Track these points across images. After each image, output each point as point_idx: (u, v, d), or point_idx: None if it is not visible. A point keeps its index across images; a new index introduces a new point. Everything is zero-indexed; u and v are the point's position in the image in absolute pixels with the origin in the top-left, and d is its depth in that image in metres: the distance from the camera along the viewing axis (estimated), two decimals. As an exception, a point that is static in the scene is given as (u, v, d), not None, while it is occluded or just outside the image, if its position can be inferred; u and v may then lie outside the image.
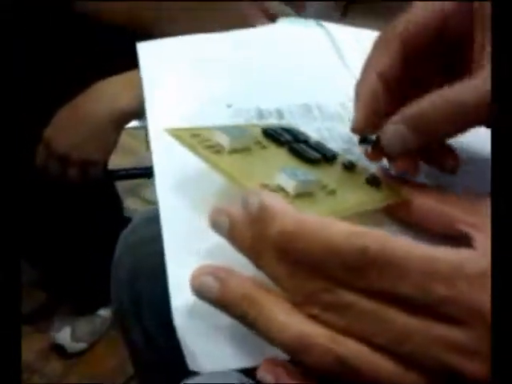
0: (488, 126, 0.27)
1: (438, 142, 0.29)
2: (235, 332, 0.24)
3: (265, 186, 0.23)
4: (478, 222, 0.23)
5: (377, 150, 0.29)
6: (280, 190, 0.23)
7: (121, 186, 1.26)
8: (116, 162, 0.94)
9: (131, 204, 1.39)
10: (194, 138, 0.27)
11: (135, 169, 1.40)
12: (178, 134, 0.27)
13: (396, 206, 0.26)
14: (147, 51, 0.43)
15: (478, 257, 0.20)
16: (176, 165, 0.30)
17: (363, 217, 0.25)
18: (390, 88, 0.28)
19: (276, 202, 0.21)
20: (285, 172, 0.24)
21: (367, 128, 0.29)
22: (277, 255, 0.21)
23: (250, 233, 0.22)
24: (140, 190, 1.45)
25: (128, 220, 1.03)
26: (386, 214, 0.27)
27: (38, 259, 0.96)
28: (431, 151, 0.30)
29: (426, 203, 0.26)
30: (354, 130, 0.29)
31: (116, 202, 1.02)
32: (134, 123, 0.98)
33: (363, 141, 0.30)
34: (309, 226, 0.20)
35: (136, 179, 1.41)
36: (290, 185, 0.23)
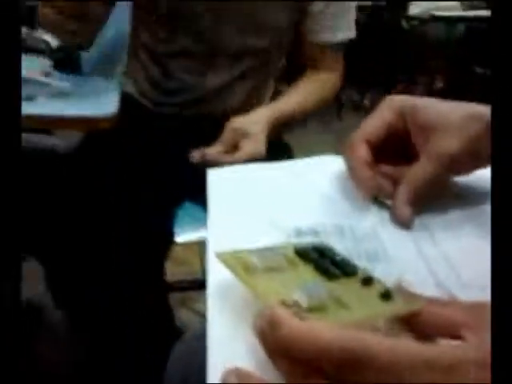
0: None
1: None
2: None
3: (283, 302, 0.28)
4: (473, 323, 0.26)
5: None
6: (296, 304, 0.28)
7: (173, 297, 1.31)
8: (169, 273, 1.00)
9: (183, 316, 1.43)
10: (235, 260, 0.32)
11: (188, 281, 1.46)
12: (224, 258, 0.33)
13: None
14: (216, 177, 0.50)
15: (452, 350, 0.24)
16: (226, 282, 0.35)
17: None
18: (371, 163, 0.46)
19: (283, 314, 0.26)
20: (301, 288, 0.28)
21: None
22: (281, 355, 0.25)
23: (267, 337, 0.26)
24: (192, 303, 1.49)
25: (180, 331, 1.06)
26: (395, 322, 0.30)
27: None
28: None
29: (434, 312, 0.29)
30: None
31: (168, 313, 1.06)
32: (188, 237, 1.05)
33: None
34: (305, 332, 0.25)
35: (188, 291, 1.47)
36: (303, 300, 0.28)
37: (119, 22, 1.06)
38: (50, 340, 1.26)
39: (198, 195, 0.96)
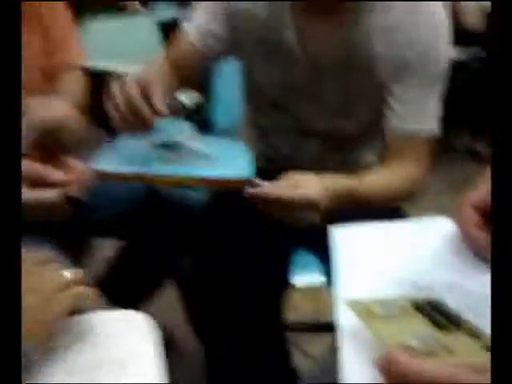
0: None
1: None
2: None
3: (400, 345, 0.35)
4: None
5: None
6: (411, 349, 0.35)
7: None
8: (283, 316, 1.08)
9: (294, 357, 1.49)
10: (361, 308, 0.40)
11: (299, 323, 1.53)
12: (352, 306, 0.41)
13: None
14: (339, 234, 0.58)
15: None
16: (353, 326, 0.42)
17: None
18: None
19: (400, 355, 0.33)
20: (415, 336, 0.36)
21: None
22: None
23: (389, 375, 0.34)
24: (303, 345, 1.55)
25: (294, 372, 1.12)
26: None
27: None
28: None
29: None
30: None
31: (286, 354, 1.12)
32: (304, 280, 1.12)
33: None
34: (419, 370, 0.32)
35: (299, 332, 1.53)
36: (417, 346, 0.35)
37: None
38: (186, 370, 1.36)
39: (308, 243, 1.05)
